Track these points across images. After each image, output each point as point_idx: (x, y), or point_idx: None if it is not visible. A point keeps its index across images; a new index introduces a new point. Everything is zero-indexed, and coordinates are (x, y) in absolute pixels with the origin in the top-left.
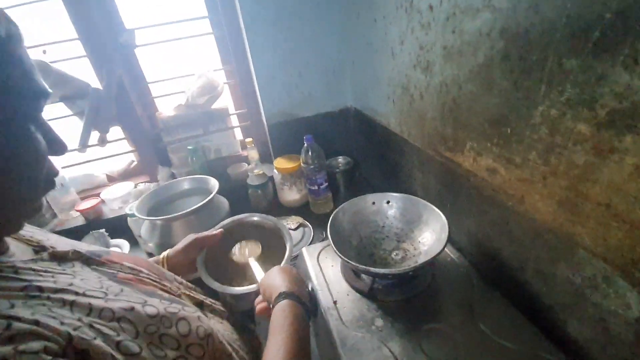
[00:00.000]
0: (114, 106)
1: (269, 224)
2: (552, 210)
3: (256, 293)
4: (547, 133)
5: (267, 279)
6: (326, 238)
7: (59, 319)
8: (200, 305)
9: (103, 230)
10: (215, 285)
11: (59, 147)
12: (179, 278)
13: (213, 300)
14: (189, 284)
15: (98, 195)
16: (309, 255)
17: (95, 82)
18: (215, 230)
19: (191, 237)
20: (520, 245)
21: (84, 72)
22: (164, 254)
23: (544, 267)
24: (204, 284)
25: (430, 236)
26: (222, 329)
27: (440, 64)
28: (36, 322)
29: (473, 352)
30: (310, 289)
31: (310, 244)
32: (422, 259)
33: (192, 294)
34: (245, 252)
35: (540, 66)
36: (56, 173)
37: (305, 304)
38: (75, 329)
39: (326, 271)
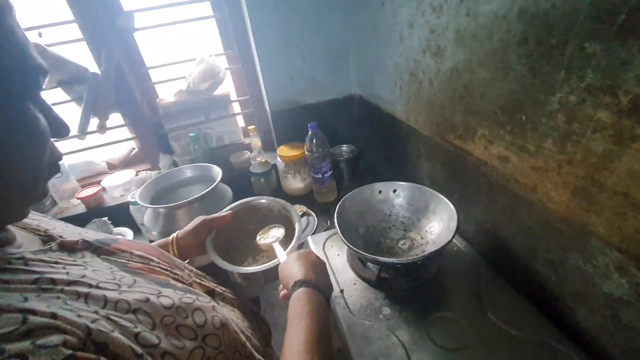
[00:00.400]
0: (113, 92)
1: (277, 206)
2: (565, 199)
3: (266, 274)
4: (565, 120)
5: (284, 267)
6: (330, 227)
7: (75, 311)
8: (211, 293)
9: (106, 218)
10: (225, 265)
11: (61, 128)
12: (188, 266)
13: (224, 288)
14: (199, 271)
15: (99, 182)
16: (314, 244)
17: (93, 67)
18: (225, 212)
19: (200, 218)
20: (530, 234)
21: (82, 56)
22: (173, 235)
23: (554, 256)
24: (212, 272)
25: (437, 225)
26: (234, 317)
27: (452, 48)
28: (53, 315)
29: (481, 340)
30: None
31: (315, 232)
32: (429, 249)
33: (203, 282)
34: (269, 236)
35: (560, 50)
36: (60, 157)
37: (322, 291)
38: (93, 322)
39: (332, 260)
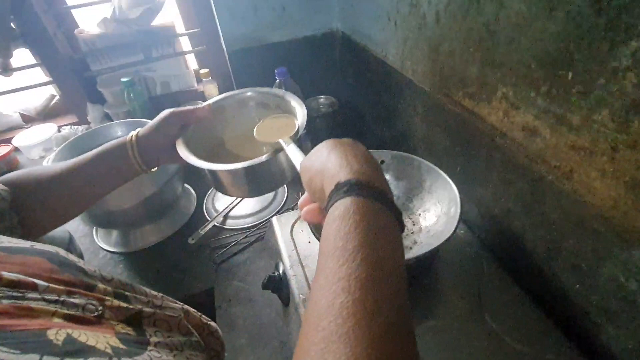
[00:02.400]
0: (12, 19)
1: (274, 100)
2: (615, 193)
3: (249, 175)
4: (636, 84)
5: (311, 160)
6: None
7: None
8: (137, 317)
9: None
10: (201, 164)
11: None
12: (108, 275)
13: (159, 302)
14: (126, 282)
15: (11, 140)
16: (280, 226)
17: None
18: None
19: (168, 111)
20: (554, 230)
21: None
22: (132, 133)
23: (583, 261)
24: (145, 283)
25: (434, 209)
26: (165, 351)
27: None
28: None
29: (479, 356)
30: (281, 271)
31: (284, 205)
32: (422, 239)
33: (124, 304)
34: (273, 130)
35: None
36: None
37: (390, 200)
38: None
39: (302, 248)
